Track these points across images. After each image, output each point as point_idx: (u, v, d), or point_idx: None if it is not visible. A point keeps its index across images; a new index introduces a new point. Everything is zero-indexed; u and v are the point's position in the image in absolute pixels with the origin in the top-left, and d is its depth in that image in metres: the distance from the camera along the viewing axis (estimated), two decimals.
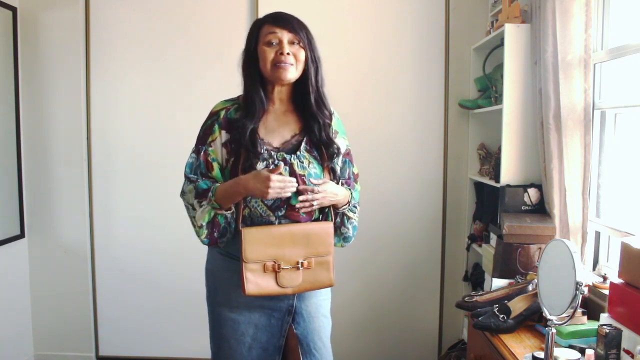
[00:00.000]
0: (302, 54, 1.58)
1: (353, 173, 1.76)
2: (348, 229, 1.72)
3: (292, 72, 1.58)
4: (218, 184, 1.57)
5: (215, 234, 1.58)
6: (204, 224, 1.57)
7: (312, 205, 1.57)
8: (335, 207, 1.66)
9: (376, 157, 3.01)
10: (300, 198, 1.55)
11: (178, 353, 3.11)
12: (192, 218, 1.60)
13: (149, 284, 3.09)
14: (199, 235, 1.60)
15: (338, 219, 1.69)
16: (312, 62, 1.61)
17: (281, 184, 1.49)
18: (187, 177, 1.63)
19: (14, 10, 2.89)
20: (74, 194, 3.04)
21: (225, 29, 2.97)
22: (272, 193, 1.49)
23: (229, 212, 1.57)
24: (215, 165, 1.61)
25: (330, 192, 1.60)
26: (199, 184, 1.58)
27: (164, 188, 2.88)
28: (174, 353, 3.12)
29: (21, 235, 3.01)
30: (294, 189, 1.52)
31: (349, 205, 1.69)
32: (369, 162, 2.97)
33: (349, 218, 1.71)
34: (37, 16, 2.96)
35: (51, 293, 3.07)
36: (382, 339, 3.12)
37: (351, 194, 1.70)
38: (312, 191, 1.56)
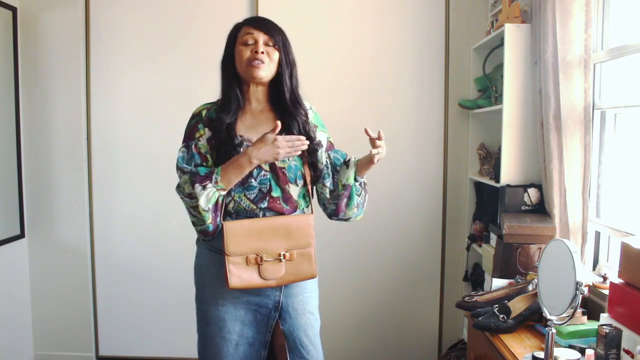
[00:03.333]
0: (275, 55, 1.65)
1: (346, 154, 1.81)
2: (367, 194, 1.78)
3: (265, 71, 1.63)
4: (219, 167, 1.60)
5: (218, 219, 1.60)
6: (210, 206, 1.57)
7: (378, 153, 1.63)
8: (360, 175, 1.72)
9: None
10: (375, 147, 1.62)
11: (178, 353, 3.11)
12: (192, 208, 1.60)
13: (149, 284, 3.10)
14: (204, 221, 1.58)
15: (360, 189, 1.74)
16: (287, 64, 1.67)
17: (289, 143, 1.54)
18: (180, 169, 1.64)
19: (14, 10, 2.89)
20: (74, 194, 3.04)
21: (225, 29, 2.92)
22: (283, 153, 1.54)
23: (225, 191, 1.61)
24: (209, 157, 1.65)
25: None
26: (199, 169, 1.61)
27: (164, 188, 2.87)
28: (174, 353, 3.12)
29: (21, 235, 3.01)
30: (305, 147, 1.57)
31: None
32: None
33: (366, 184, 1.77)
34: (37, 16, 2.96)
35: (51, 293, 3.07)
36: (382, 339, 3.12)
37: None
38: (379, 138, 1.63)
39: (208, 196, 1.57)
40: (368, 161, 1.67)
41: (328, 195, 1.74)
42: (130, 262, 3.09)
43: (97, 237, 3.09)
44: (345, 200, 1.72)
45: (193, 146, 1.65)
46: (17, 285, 3.01)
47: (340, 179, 1.72)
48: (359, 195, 1.74)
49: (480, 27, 2.91)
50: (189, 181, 1.59)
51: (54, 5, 2.95)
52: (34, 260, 3.07)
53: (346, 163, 1.73)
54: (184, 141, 1.69)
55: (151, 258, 3.09)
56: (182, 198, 1.64)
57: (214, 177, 1.57)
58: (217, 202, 1.59)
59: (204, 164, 1.64)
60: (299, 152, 1.57)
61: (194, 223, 1.63)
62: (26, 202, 3.03)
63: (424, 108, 3.00)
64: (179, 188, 1.64)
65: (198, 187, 1.57)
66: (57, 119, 3.01)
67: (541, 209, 2.32)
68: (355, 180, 1.72)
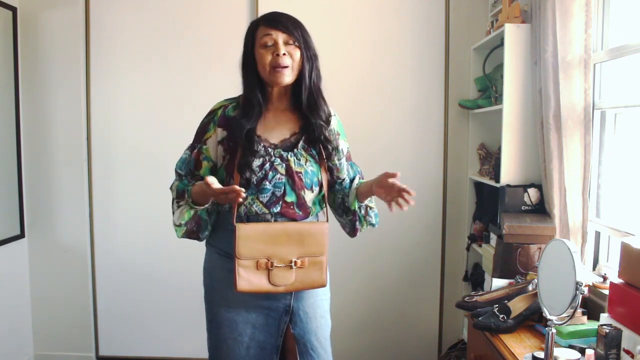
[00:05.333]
0: (297, 54, 1.58)
1: (360, 171, 1.80)
2: (372, 217, 1.75)
3: (289, 75, 1.58)
4: (191, 186, 1.60)
5: (194, 227, 1.62)
6: (182, 222, 1.61)
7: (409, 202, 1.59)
8: (361, 201, 1.70)
9: (376, 157, 3.00)
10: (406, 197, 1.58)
11: (178, 353, 3.11)
12: (172, 213, 1.65)
13: (149, 284, 3.09)
14: (176, 232, 1.63)
15: (362, 211, 1.72)
16: (308, 60, 1.61)
17: (223, 195, 1.47)
18: (176, 172, 1.68)
19: (14, 10, 2.89)
20: (74, 194, 3.04)
21: (225, 28, 2.97)
22: (222, 201, 1.53)
23: (207, 204, 1.60)
24: (205, 164, 1.63)
25: None
26: (179, 185, 1.63)
27: (164, 188, 2.85)
28: (174, 353, 3.12)
29: (21, 235, 3.01)
30: (240, 200, 1.48)
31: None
32: (369, 162, 2.93)
33: (371, 208, 1.75)
34: (37, 16, 2.95)
35: (51, 293, 3.07)
36: (382, 339, 3.12)
37: None
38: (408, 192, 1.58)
39: (181, 212, 1.60)
40: (367, 190, 1.65)
41: (340, 201, 1.74)
42: (130, 262, 3.09)
43: (97, 237, 3.09)
44: (357, 222, 1.73)
45: (196, 150, 1.64)
46: (17, 285, 3.00)
47: (347, 201, 1.73)
48: (366, 215, 1.74)
49: (480, 27, 2.91)
50: (175, 189, 1.64)
51: (54, 5, 2.95)
52: (34, 260, 3.07)
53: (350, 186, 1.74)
54: (192, 141, 1.67)
55: (151, 258, 3.08)
56: (172, 198, 1.67)
57: (185, 196, 1.59)
58: (192, 216, 1.60)
59: (196, 171, 1.64)
60: (240, 200, 1.48)
61: (174, 227, 1.65)
62: (26, 202, 3.03)
63: (424, 108, 3.00)
64: (171, 188, 1.67)
65: (174, 202, 1.63)
66: (57, 119, 3.01)
67: (541, 209, 2.32)
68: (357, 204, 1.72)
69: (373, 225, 1.77)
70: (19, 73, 2.94)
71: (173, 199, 1.65)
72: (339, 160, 1.71)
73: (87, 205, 3.06)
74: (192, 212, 1.60)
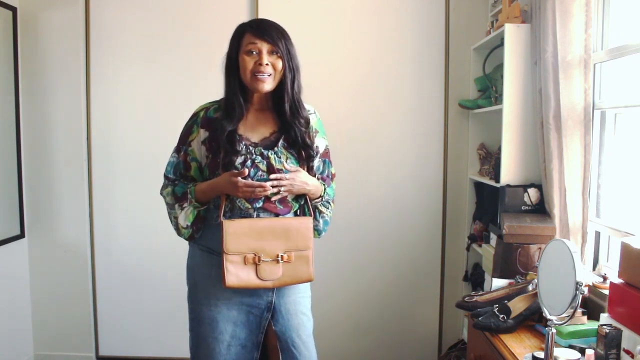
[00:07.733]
0: (279, 64, 1.63)
1: (331, 173, 1.82)
2: (319, 222, 1.78)
3: (269, 83, 1.63)
4: (193, 186, 1.65)
5: (198, 229, 1.68)
6: (189, 224, 1.66)
7: (280, 190, 1.61)
8: (309, 199, 1.72)
9: (376, 158, 3.01)
10: (269, 183, 1.59)
11: (177, 353, 3.11)
12: (174, 218, 1.69)
13: (148, 284, 3.10)
14: (181, 235, 1.69)
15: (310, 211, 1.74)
16: (290, 71, 1.65)
17: (249, 189, 1.55)
18: (165, 177, 1.72)
19: (14, 10, 2.89)
20: (74, 194, 3.04)
21: (225, 28, 2.91)
22: (241, 194, 1.57)
23: (209, 203, 1.67)
24: (194, 165, 1.69)
25: (299, 180, 1.64)
26: (176, 189, 1.67)
27: None
28: (174, 353, 3.12)
29: (21, 235, 3.01)
30: (267, 193, 1.58)
31: (321, 199, 1.75)
32: (369, 162, 2.97)
33: (320, 212, 1.77)
34: (37, 16, 2.96)
35: (51, 293, 3.07)
36: (382, 339, 3.12)
37: (325, 189, 1.76)
38: (280, 178, 1.61)
39: (186, 214, 1.65)
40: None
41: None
42: (130, 262, 3.09)
43: (97, 238, 3.09)
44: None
45: (182, 152, 1.69)
46: (17, 285, 3.00)
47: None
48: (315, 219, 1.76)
49: (480, 27, 2.91)
50: (171, 194, 1.68)
51: (54, 5, 2.95)
52: (34, 260, 3.07)
53: None
54: (177, 143, 1.72)
55: (151, 258, 3.08)
56: (165, 202, 1.72)
57: (189, 197, 1.64)
58: (196, 217, 1.66)
59: (187, 173, 1.70)
60: (261, 196, 1.59)
61: (176, 230, 1.70)
62: (26, 202, 3.03)
63: (424, 108, 3.00)
64: (162, 194, 1.72)
65: (177, 207, 1.66)
66: (57, 119, 3.01)
67: (541, 209, 2.32)
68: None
69: (317, 231, 1.78)
70: (19, 73, 2.94)
71: (171, 204, 1.68)
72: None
73: (87, 205, 3.06)
74: (195, 212, 1.65)
